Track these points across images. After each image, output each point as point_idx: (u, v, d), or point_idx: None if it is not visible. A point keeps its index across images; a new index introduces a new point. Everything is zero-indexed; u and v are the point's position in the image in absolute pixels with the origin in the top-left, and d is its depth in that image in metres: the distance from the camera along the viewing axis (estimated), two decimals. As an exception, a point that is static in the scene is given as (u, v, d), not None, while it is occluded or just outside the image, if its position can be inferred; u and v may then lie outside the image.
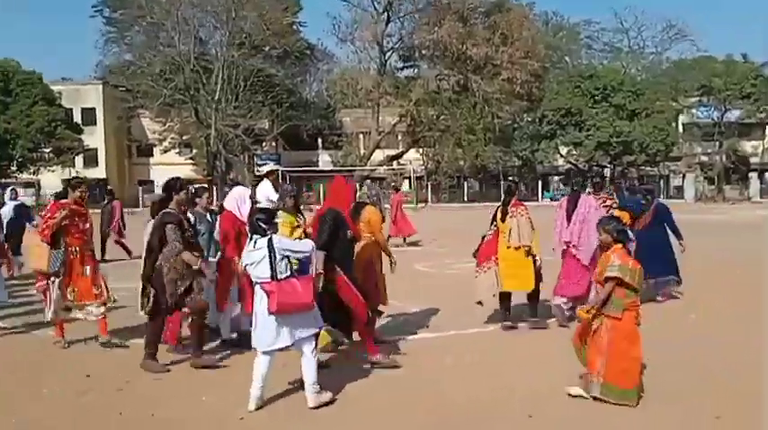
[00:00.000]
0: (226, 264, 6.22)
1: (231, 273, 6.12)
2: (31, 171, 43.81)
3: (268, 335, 4.55)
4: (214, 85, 43.96)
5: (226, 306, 6.36)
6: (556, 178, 52.11)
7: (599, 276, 4.59)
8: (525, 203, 7.04)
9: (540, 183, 48.55)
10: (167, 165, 50.65)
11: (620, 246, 4.57)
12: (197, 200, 6.65)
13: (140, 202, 44.14)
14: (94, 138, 48.70)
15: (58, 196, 6.34)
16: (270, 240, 4.54)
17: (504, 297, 6.97)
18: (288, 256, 4.61)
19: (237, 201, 6.36)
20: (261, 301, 4.55)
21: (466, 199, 46.79)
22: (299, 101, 50.30)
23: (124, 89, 48.38)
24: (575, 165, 50.96)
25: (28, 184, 47.86)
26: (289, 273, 4.56)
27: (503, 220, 6.93)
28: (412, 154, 47.81)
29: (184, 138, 48.47)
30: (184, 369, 5.62)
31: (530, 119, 48.68)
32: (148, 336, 5.64)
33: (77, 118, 47.68)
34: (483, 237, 7.01)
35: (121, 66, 47.41)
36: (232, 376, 5.41)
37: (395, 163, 49.03)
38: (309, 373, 4.60)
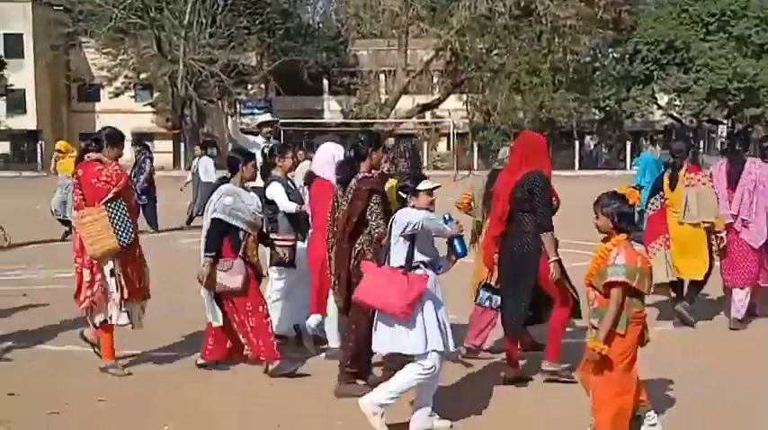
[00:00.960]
0: (320, 248, 6.17)
1: (326, 262, 6.07)
2: (-61, 117, 44.45)
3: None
4: (183, 3, 43.94)
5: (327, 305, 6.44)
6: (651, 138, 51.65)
7: (593, 279, 4.45)
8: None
9: (628, 144, 48.19)
10: (118, 113, 51.00)
11: (623, 236, 4.43)
12: (281, 161, 6.91)
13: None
14: (21, 75, 49.07)
15: (86, 151, 6.19)
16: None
17: (677, 285, 7.54)
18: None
19: (329, 163, 6.36)
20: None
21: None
22: (298, 27, 50.14)
23: (61, 8, 48.55)
24: (678, 120, 50.26)
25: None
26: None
27: (672, 189, 7.44)
28: (452, 102, 47.54)
29: (142, 77, 48.70)
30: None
31: (616, 55, 48.12)
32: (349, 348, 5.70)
33: (-1, 48, 48.26)
34: (640, 212, 7.39)
35: (58, -23, 47.63)
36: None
37: (428, 114, 48.78)
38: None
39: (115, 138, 6.17)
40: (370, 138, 5.83)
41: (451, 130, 45.89)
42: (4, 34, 50.03)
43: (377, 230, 5.45)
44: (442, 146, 51.44)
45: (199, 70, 44.17)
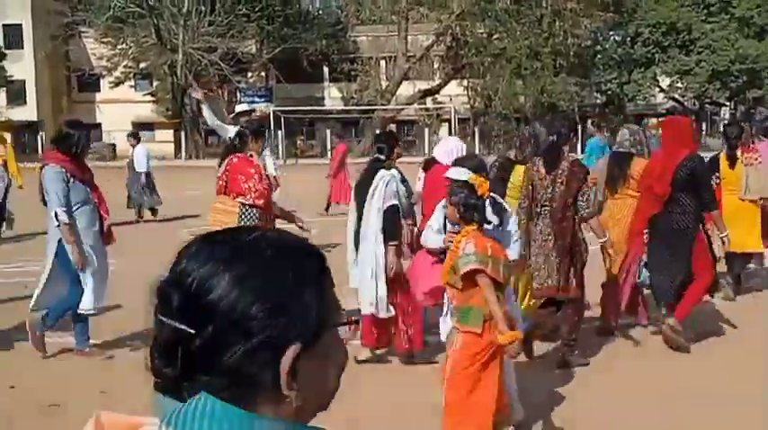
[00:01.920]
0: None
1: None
2: (-64, 111, 44.41)
3: None
4: (182, -9, 43.82)
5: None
6: (653, 120, 51.51)
7: (449, 276, 4.17)
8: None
9: (630, 127, 48.09)
10: (118, 103, 50.97)
11: (472, 227, 4.15)
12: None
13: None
14: (21, 66, 48.99)
15: (231, 148, 6.44)
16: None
17: (733, 259, 8.04)
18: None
19: (454, 152, 6.26)
20: None
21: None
22: (297, 14, 49.98)
23: (60, -2, 48.41)
24: (680, 103, 50.15)
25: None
26: None
27: (732, 168, 7.96)
28: (453, 87, 47.44)
29: (142, 66, 48.55)
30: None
31: (617, 38, 48.01)
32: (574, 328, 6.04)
33: (-2, 38, 48.17)
34: None
35: (56, -34, 47.41)
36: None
37: (429, 100, 48.69)
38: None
39: (258, 132, 6.79)
40: (570, 124, 6.53)
41: (453, 116, 45.79)
42: (4, 25, 49.97)
43: (587, 211, 5.80)
44: (443, 131, 51.33)
45: (198, 59, 44.08)
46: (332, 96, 53.93)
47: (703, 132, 46.03)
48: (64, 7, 47.59)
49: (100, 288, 6.20)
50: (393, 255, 5.85)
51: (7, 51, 46.85)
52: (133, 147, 16.43)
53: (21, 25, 50.71)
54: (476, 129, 46.64)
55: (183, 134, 46.45)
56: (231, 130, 10.18)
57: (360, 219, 6.09)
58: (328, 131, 48.03)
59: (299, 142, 49.60)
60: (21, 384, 5.74)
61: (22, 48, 50.33)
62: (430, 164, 6.62)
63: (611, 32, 47.40)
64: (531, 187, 5.88)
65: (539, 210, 5.86)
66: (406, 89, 47.18)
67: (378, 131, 7.37)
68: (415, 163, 11.59)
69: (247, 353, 0.99)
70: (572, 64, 44.36)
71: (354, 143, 48.22)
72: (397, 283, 5.92)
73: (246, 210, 6.22)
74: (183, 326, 0.99)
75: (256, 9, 45.07)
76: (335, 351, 1.10)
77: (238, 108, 12.11)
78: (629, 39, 46.75)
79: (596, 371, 6.03)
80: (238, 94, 50.28)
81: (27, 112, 50.53)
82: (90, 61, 49.32)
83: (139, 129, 50.45)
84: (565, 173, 5.77)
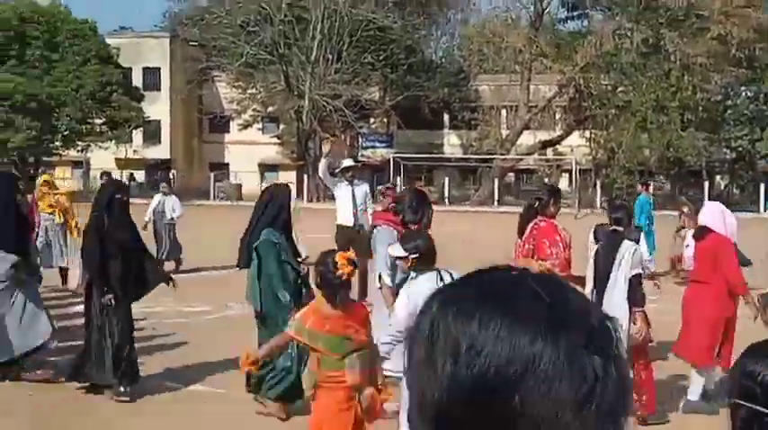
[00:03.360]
0: (712, 305, 6.63)
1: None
2: (79, 148, 47.10)
3: None
4: (310, 40, 45.22)
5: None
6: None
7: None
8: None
9: (762, 185, 46.10)
10: (246, 145, 52.88)
11: (321, 300, 4.41)
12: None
13: (212, 193, 46.30)
14: (157, 107, 51.59)
15: (529, 210, 6.76)
16: None
17: None
18: None
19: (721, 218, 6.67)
20: None
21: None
22: (420, 63, 50.74)
23: (197, 44, 50.86)
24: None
25: (76, 164, 51.75)
26: None
27: None
28: (574, 139, 46.86)
29: (269, 110, 50.31)
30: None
31: (750, 94, 46.35)
32: None
33: (137, 80, 50.86)
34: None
35: (194, 14, 49.83)
36: None
37: (550, 151, 48.23)
38: None
39: (556, 193, 6.91)
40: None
41: (574, 167, 45.18)
42: (144, 68, 52.82)
43: None
44: (563, 182, 50.68)
45: (323, 104, 45.23)
46: (451, 143, 54.26)
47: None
48: (200, 53, 49.95)
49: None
50: (641, 321, 6.05)
51: (146, 93, 49.26)
52: (166, 195, 15.04)
53: (159, 69, 53.57)
54: (597, 182, 45.83)
55: (305, 176, 47.66)
56: (336, 182, 11.47)
57: (596, 286, 6.28)
58: (446, 178, 48.31)
59: (415, 183, 50.01)
60: None
61: (160, 90, 53.08)
62: (703, 232, 6.77)
63: (742, 88, 45.82)
64: None
65: None
66: (526, 139, 46.92)
67: (613, 203, 7.51)
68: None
69: None
70: (700, 119, 43.08)
71: (472, 191, 48.28)
72: (641, 349, 6.12)
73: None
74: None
75: (381, 58, 46.02)
76: None
77: (344, 163, 12.54)
78: (762, 95, 45.08)
79: None
80: (360, 140, 51.37)
81: (161, 151, 53.12)
82: (221, 104, 51.51)
83: (265, 170, 52.96)
84: None
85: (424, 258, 4.53)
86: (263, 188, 7.42)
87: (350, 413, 4.23)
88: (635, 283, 6.05)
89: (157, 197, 15.04)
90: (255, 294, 6.02)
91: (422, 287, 4.28)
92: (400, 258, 4.64)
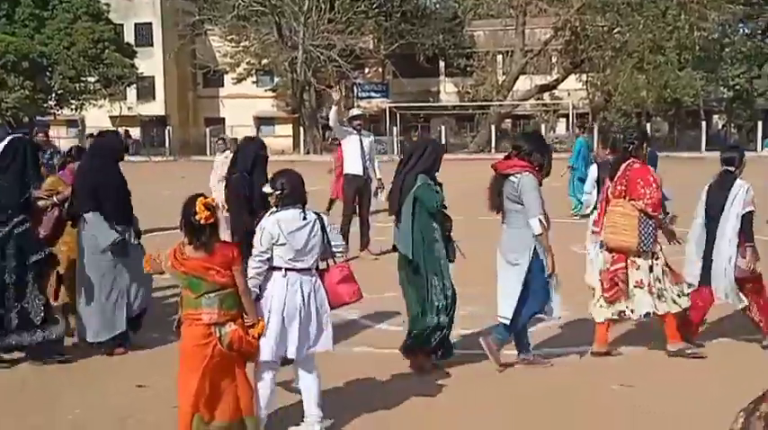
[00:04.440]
0: None
1: None
2: (73, 106, 46.84)
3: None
4: (302, -10, 44.69)
5: None
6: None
7: None
8: None
9: (760, 124, 46.08)
10: (242, 99, 52.56)
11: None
12: None
13: (208, 149, 46.14)
14: (151, 63, 51.23)
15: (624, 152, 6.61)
16: None
17: None
18: None
19: None
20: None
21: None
22: (414, 10, 50.23)
23: (187, -3, 50.28)
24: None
25: (70, 122, 51.48)
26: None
27: None
28: (571, 82, 46.60)
29: (263, 63, 49.84)
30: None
31: (747, 31, 46.03)
32: None
33: (129, 37, 50.42)
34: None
35: (184, -33, 49.19)
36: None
37: (547, 95, 48.00)
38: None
39: (647, 136, 6.95)
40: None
41: (571, 111, 45.02)
42: (135, 24, 52.30)
43: None
44: (560, 127, 50.52)
45: (317, 55, 44.90)
46: (447, 91, 53.93)
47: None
48: (191, 7, 49.46)
49: None
50: (750, 255, 6.49)
51: (138, 49, 48.91)
52: (223, 151, 14.62)
53: (151, 24, 53.01)
54: (594, 125, 45.67)
55: (301, 129, 47.49)
56: (347, 132, 11.35)
57: (709, 220, 6.70)
58: (443, 127, 48.14)
59: (413, 137, 49.86)
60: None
61: (152, 45, 52.60)
62: None
63: (740, 25, 45.49)
64: None
65: None
66: (522, 84, 46.67)
67: (728, 145, 7.98)
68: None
69: None
70: (698, 58, 42.80)
71: (469, 139, 48.15)
72: (751, 279, 6.62)
73: (644, 218, 6.28)
74: None
75: (374, 5, 45.51)
76: None
77: (352, 112, 12.47)
78: (759, 32, 44.75)
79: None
80: (355, 90, 51.02)
81: (156, 108, 52.81)
82: (215, 58, 50.98)
83: (260, 124, 52.72)
84: None
85: (289, 196, 4.77)
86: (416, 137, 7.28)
87: (206, 348, 4.49)
88: (748, 219, 6.50)
89: (219, 157, 14.38)
90: (408, 241, 5.92)
91: (283, 216, 4.72)
92: (268, 195, 4.85)
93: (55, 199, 6.80)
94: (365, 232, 11.43)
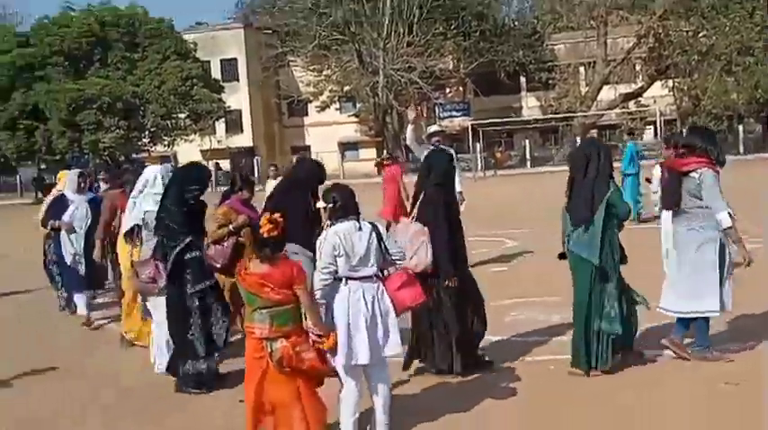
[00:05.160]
0: None
1: None
2: (166, 143, 48.44)
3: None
4: (381, 16, 45.26)
5: None
6: None
7: None
8: None
9: None
10: (326, 126, 53.41)
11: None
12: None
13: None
14: (237, 96, 52.64)
15: None
16: None
17: None
18: None
19: None
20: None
21: (742, 149, 43.69)
22: (493, 28, 50.17)
23: (270, 32, 51.48)
24: None
25: (163, 158, 53.21)
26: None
27: None
28: (657, 89, 45.78)
29: (345, 89, 50.58)
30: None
31: (843, 25, 44.24)
32: None
33: (216, 73, 51.93)
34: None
35: (266, 2, 50.41)
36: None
37: (632, 103, 47.17)
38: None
39: None
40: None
41: (658, 118, 44.07)
42: (221, 60, 53.88)
43: None
44: (648, 135, 49.48)
45: (398, 78, 45.28)
46: (529, 106, 53.57)
47: None
48: (274, 40, 50.61)
49: None
50: None
51: (225, 84, 50.27)
52: (271, 179, 14.49)
53: (236, 59, 54.55)
54: (684, 131, 44.52)
55: (385, 152, 47.78)
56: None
57: None
58: (527, 141, 47.78)
59: (497, 153, 49.66)
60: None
61: (238, 80, 54.12)
62: None
63: (835, 20, 43.78)
64: None
65: None
66: (607, 94, 46.06)
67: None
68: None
69: None
70: (789, 56, 41.48)
71: (554, 151, 47.62)
72: None
73: None
74: None
75: (452, 26, 45.74)
76: None
77: (431, 129, 12.50)
78: None
79: None
80: (437, 110, 51.20)
81: (243, 139, 54.18)
82: (298, 88, 52.03)
83: (345, 149, 53.44)
84: None
85: (341, 208, 4.91)
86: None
87: (260, 362, 4.68)
88: None
89: (271, 182, 14.40)
90: (597, 247, 5.92)
91: (340, 228, 4.85)
92: (324, 209, 5.04)
93: (231, 227, 6.71)
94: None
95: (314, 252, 5.60)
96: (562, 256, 6.16)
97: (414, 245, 5.79)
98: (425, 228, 5.88)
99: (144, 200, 6.95)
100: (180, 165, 6.64)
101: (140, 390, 6.56)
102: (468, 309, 6.15)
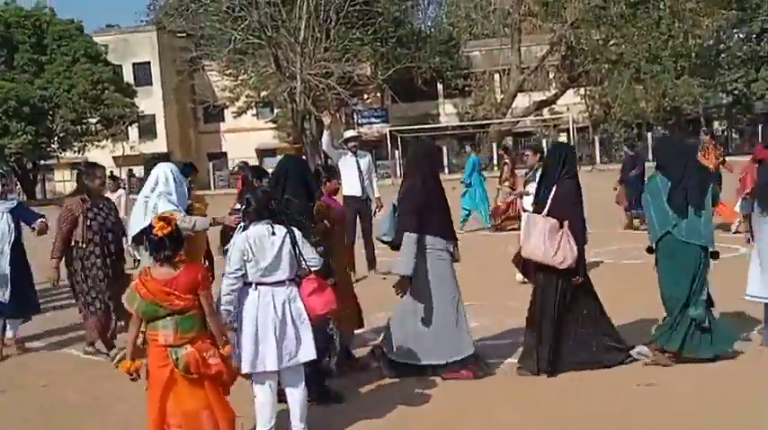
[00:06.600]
0: None
1: None
2: (76, 148, 46.92)
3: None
4: (297, 20, 44.82)
5: None
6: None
7: None
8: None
9: (760, 127, 46.00)
10: (243, 132, 52.66)
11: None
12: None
13: (212, 183, 46.22)
14: (151, 101, 51.46)
15: None
16: None
17: None
18: None
19: None
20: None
21: (651, 156, 44.97)
22: (409, 34, 50.37)
23: (184, 35, 50.51)
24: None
25: (74, 165, 51.60)
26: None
27: None
28: (569, 97, 46.70)
29: (263, 95, 49.96)
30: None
31: (742, 36, 46.10)
32: None
33: (128, 77, 50.69)
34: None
35: (178, 4, 49.40)
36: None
37: (546, 111, 48.02)
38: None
39: None
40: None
41: (571, 125, 45.01)
42: (134, 63, 52.61)
43: None
44: (562, 139, 50.51)
45: (316, 84, 44.95)
46: (447, 113, 53.98)
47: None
48: (188, 43, 49.69)
49: None
50: None
51: (137, 88, 49.16)
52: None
53: (149, 63, 53.32)
54: (595, 138, 45.66)
55: (304, 158, 47.41)
56: (340, 155, 11.20)
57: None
58: (445, 148, 48.08)
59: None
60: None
61: (152, 84, 52.89)
62: None
63: (734, 30, 45.57)
64: None
65: None
66: (521, 101, 46.74)
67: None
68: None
69: None
70: (694, 65, 42.95)
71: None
72: None
73: None
74: None
75: (369, 32, 45.60)
76: None
77: (347, 134, 12.42)
78: (754, 36, 44.84)
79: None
80: (355, 116, 51.09)
81: (158, 145, 52.93)
82: (214, 93, 51.13)
83: (263, 156, 52.77)
84: None
85: (254, 211, 4.82)
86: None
87: (164, 370, 4.44)
88: None
89: None
90: (711, 232, 6.05)
91: (252, 232, 4.76)
92: (236, 211, 5.00)
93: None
94: (370, 252, 11.34)
95: None
96: (650, 251, 6.22)
97: (553, 240, 5.79)
98: (557, 223, 5.90)
99: (160, 200, 6.43)
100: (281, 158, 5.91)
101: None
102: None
